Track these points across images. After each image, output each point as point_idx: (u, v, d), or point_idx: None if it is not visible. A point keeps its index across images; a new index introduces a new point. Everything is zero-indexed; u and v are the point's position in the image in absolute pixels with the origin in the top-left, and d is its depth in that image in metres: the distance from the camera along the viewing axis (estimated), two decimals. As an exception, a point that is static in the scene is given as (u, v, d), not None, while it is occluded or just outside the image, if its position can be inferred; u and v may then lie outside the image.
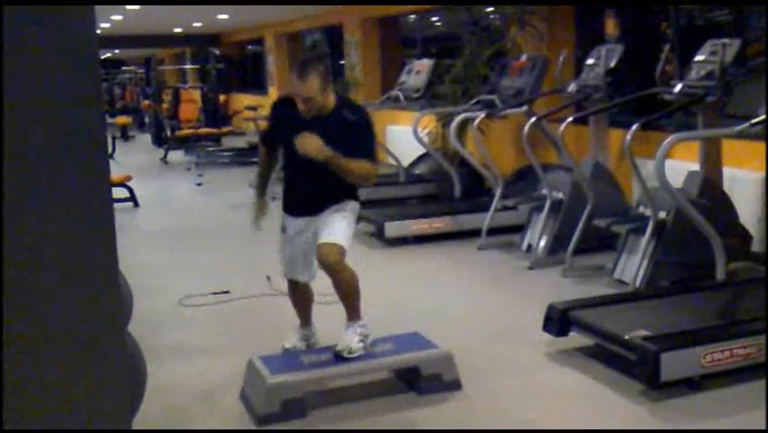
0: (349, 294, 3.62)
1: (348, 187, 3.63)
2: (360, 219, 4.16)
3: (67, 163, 1.77)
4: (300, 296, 3.93)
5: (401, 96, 7.89)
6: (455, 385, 3.60)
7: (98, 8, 2.01)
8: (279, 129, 3.72)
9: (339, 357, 3.54)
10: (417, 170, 8.35)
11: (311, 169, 3.52)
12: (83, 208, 1.80)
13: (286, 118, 3.64)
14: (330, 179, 3.53)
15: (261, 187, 4.04)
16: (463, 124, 6.94)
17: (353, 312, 3.65)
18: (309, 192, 3.68)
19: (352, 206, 3.68)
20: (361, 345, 3.58)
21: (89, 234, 1.82)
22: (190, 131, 14.08)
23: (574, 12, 7.73)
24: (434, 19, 12.25)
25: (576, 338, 4.03)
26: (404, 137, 8.93)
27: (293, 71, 3.49)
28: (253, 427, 3.35)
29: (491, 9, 8.60)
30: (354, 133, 3.53)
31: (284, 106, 3.70)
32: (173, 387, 3.78)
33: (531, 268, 5.64)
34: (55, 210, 1.78)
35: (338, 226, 3.56)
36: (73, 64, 1.73)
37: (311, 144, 3.41)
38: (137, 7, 11.22)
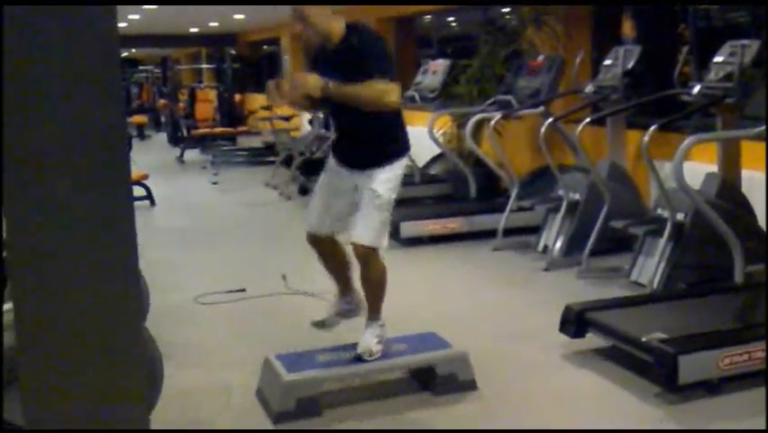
0: (374, 289, 3.52)
1: (386, 138, 3.41)
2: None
3: (88, 162, 1.78)
4: (329, 255, 3.63)
5: (417, 97, 7.87)
6: (470, 385, 3.60)
7: (116, 8, 2.04)
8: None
9: (359, 359, 3.52)
10: (433, 171, 8.34)
11: (341, 113, 3.40)
12: (104, 206, 1.81)
13: (313, 63, 3.50)
14: (363, 127, 3.35)
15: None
16: (479, 125, 6.92)
17: (374, 310, 3.59)
18: (347, 141, 3.51)
19: (394, 169, 3.41)
20: (380, 346, 3.55)
21: (110, 231, 1.83)
22: (206, 130, 14.13)
23: (592, 12, 7.69)
24: (449, 19, 12.24)
25: (593, 340, 4.01)
26: (419, 137, 8.91)
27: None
28: (269, 424, 3.36)
29: (507, 9, 8.58)
30: (362, 57, 3.24)
31: (310, 54, 3.58)
32: (189, 384, 3.79)
33: (547, 269, 5.61)
34: (76, 208, 1.79)
35: (369, 222, 3.35)
36: (94, 63, 1.75)
37: (305, 83, 3.20)
38: (154, 7, 11.27)
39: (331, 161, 3.60)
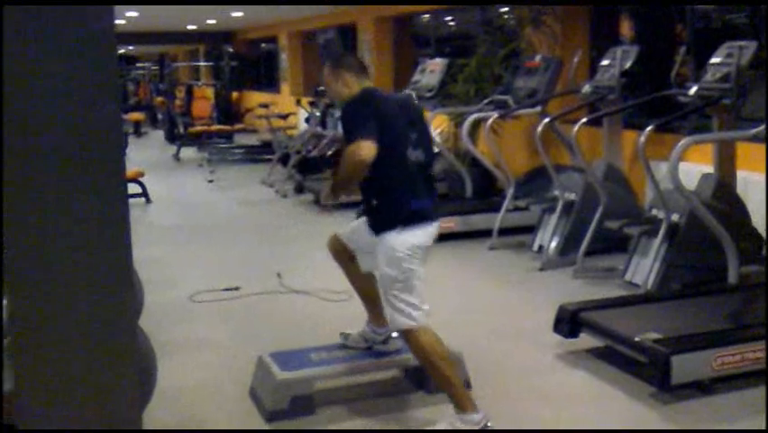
0: (430, 369, 3.16)
1: (376, 204, 3.19)
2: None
3: (84, 158, 1.78)
4: (347, 267, 3.50)
5: (414, 96, 7.88)
6: (465, 385, 3.59)
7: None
8: None
9: None
10: (429, 170, 8.34)
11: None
12: (99, 203, 1.81)
13: None
14: (363, 190, 3.22)
15: None
16: (476, 124, 6.93)
17: (452, 398, 3.11)
18: (362, 206, 3.39)
19: (390, 243, 3.11)
20: None
21: (105, 228, 1.83)
22: (203, 128, 14.12)
23: (590, 12, 7.70)
24: (447, 18, 12.22)
25: (586, 340, 4.01)
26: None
27: None
28: (262, 422, 3.35)
29: (506, 9, 8.58)
30: (344, 124, 3.18)
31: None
32: (183, 382, 3.79)
33: (542, 269, 5.62)
34: (72, 205, 1.79)
35: (391, 303, 3.13)
36: (92, 61, 1.74)
37: (324, 196, 3.33)
38: (152, 5, 11.25)
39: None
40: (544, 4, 7.29)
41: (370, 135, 2.99)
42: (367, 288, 3.53)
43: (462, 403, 3.09)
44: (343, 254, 3.49)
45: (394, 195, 3.15)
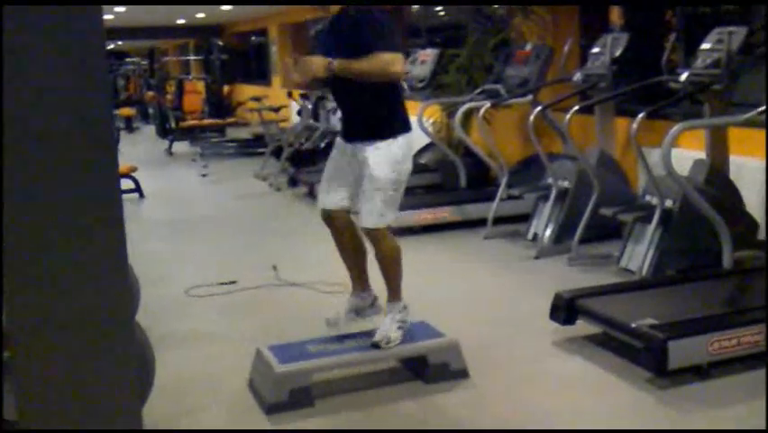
0: (388, 268, 3.52)
1: (379, 113, 3.39)
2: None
3: (76, 155, 1.77)
4: (341, 236, 3.60)
5: (406, 86, 7.87)
6: (462, 374, 3.61)
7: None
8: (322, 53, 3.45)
9: (375, 346, 3.48)
10: (422, 160, 8.33)
11: (338, 89, 3.45)
12: (92, 200, 1.81)
13: (316, 45, 3.57)
14: (357, 101, 3.39)
15: None
16: (468, 114, 6.93)
17: (392, 291, 3.56)
18: (345, 115, 3.54)
19: (390, 148, 3.37)
20: (399, 332, 3.51)
21: (98, 225, 1.82)
22: (194, 122, 14.08)
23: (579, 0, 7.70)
24: (438, 9, 12.20)
25: (583, 327, 4.03)
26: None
27: None
28: (261, 415, 3.36)
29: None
30: (361, 29, 3.27)
31: (320, 30, 3.64)
32: (181, 376, 3.79)
33: (537, 257, 5.64)
34: (64, 201, 1.78)
35: (373, 206, 3.37)
36: (80, 56, 1.74)
37: (312, 65, 3.29)
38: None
39: (338, 138, 3.63)
40: (532, 4, 7.27)
41: (401, 52, 3.27)
42: (355, 248, 3.66)
43: (400, 292, 3.57)
44: (337, 222, 3.58)
45: (400, 104, 3.48)
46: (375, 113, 3.42)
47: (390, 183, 3.38)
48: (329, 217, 3.58)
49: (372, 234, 3.45)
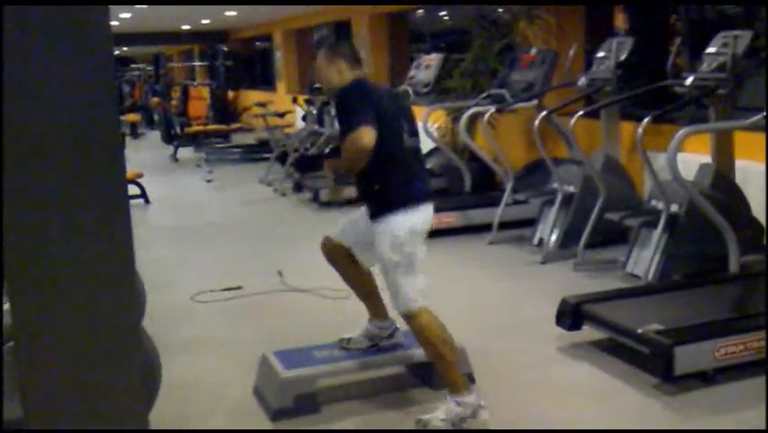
0: (432, 354, 3.20)
1: (377, 187, 3.20)
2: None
3: (83, 161, 1.77)
4: (344, 269, 3.52)
5: (411, 91, 7.87)
6: (469, 379, 3.59)
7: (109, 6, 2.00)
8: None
9: (420, 424, 3.17)
10: (428, 165, 8.34)
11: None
12: (100, 205, 1.81)
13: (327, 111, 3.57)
14: (364, 181, 3.25)
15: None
16: (473, 119, 6.93)
17: (447, 382, 3.19)
18: (360, 195, 3.37)
19: (390, 227, 3.16)
20: (443, 424, 3.12)
21: (106, 230, 1.83)
22: (200, 128, 14.10)
23: (584, 4, 7.70)
24: (442, 14, 12.23)
25: (589, 332, 4.02)
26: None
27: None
28: (267, 420, 3.36)
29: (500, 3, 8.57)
30: (339, 113, 3.21)
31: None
32: (187, 382, 3.79)
33: (543, 262, 5.62)
34: (72, 207, 1.78)
35: (394, 284, 3.17)
36: (88, 62, 1.74)
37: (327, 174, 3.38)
38: (145, 6, 11.24)
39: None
40: (537, 3, 7.27)
41: (369, 122, 3.04)
42: (364, 285, 3.57)
43: (458, 385, 3.16)
44: (337, 254, 3.51)
45: (396, 178, 3.21)
46: (368, 189, 3.25)
47: (394, 266, 3.15)
48: (329, 247, 3.51)
49: (408, 321, 3.22)
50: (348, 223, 3.49)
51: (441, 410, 3.17)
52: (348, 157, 3.11)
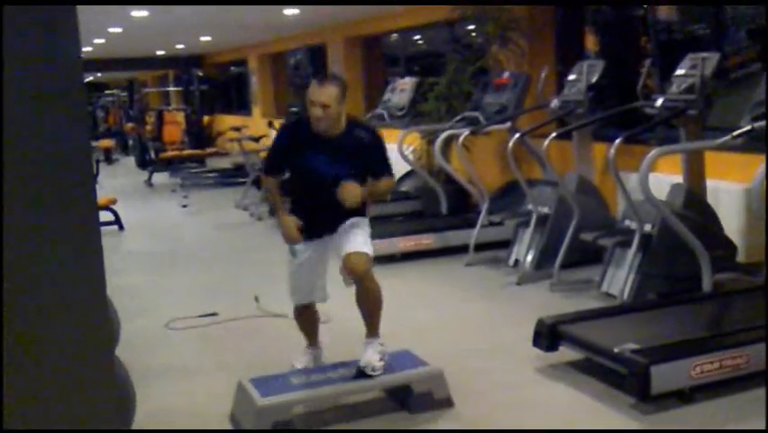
0: (374, 306, 3.64)
1: (363, 206, 3.73)
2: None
3: (54, 187, 1.76)
4: (310, 318, 3.97)
5: (386, 115, 7.91)
6: (447, 403, 3.59)
7: (81, 32, 1.97)
8: (290, 152, 3.69)
9: (362, 374, 3.54)
10: (403, 188, 8.37)
11: (325, 188, 3.57)
12: (70, 232, 1.79)
13: (298, 140, 3.67)
14: (338, 206, 3.62)
15: (282, 208, 3.82)
16: (448, 141, 6.97)
17: (374, 328, 3.68)
18: (327, 212, 3.66)
19: (365, 221, 3.76)
20: (381, 363, 3.58)
21: (76, 258, 1.81)
22: (174, 153, 14.05)
23: (555, 28, 7.81)
24: (416, 37, 12.32)
25: (566, 353, 4.03)
26: (389, 155, 8.95)
27: (314, 81, 3.54)
28: (244, 449, 3.32)
29: (472, 27, 8.66)
30: (373, 154, 3.67)
31: (295, 129, 3.75)
32: (162, 411, 3.74)
33: (519, 283, 5.65)
34: (42, 234, 1.76)
35: (361, 238, 3.63)
36: (58, 87, 1.73)
37: (352, 193, 3.53)
38: (119, 30, 11.20)
39: (303, 245, 3.72)
40: (512, 4, 7.32)
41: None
42: (315, 320, 4.00)
43: (378, 330, 3.68)
44: (306, 312, 3.92)
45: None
46: (341, 209, 3.62)
47: (369, 236, 3.70)
48: (303, 311, 3.90)
49: (364, 270, 3.55)
50: (305, 281, 3.80)
51: (372, 352, 3.57)
52: (384, 194, 4.00)
